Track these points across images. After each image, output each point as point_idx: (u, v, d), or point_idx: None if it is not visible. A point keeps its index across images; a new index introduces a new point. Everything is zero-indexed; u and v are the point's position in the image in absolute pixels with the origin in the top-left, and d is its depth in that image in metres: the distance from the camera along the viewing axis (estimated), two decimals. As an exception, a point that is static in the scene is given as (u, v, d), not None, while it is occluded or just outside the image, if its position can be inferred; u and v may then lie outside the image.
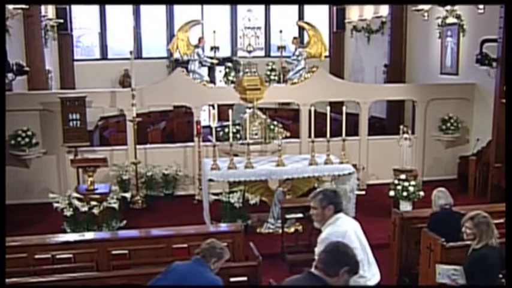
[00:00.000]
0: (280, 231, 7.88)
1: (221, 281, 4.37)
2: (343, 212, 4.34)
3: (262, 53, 13.32)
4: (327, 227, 4.24)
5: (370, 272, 4.32)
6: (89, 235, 6.89)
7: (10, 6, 10.66)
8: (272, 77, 12.27)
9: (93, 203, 8.33)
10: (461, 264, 5.04)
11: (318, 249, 4.06)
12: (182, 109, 14.65)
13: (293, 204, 8.05)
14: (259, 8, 16.76)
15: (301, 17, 18.15)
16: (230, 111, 9.08)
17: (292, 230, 8.48)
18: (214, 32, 11.20)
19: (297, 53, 11.40)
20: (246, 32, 10.59)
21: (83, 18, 17.42)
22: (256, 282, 5.44)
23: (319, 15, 17.84)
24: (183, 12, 17.20)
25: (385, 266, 5.51)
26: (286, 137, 10.54)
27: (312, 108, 9.12)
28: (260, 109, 10.71)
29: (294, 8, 18.38)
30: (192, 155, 10.81)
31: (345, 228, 4.20)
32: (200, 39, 11.51)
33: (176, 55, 11.42)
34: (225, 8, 18.30)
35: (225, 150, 9.61)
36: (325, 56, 11.95)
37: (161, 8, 17.82)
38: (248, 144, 8.89)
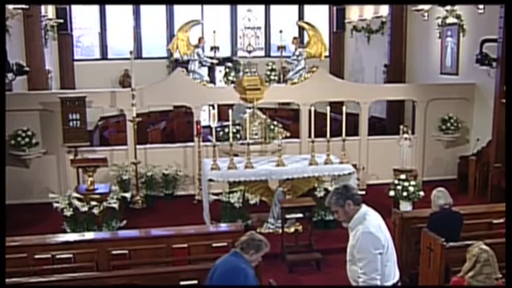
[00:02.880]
0: (280, 231, 7.85)
1: (249, 272, 4.28)
2: (365, 204, 4.30)
3: (262, 53, 13.29)
4: (357, 224, 4.20)
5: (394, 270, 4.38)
6: (89, 235, 6.89)
7: (10, 6, 10.66)
8: (272, 77, 12.27)
9: (93, 203, 8.32)
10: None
11: (358, 245, 4.10)
12: (182, 109, 14.65)
13: (293, 204, 8.04)
14: (259, 8, 16.77)
15: (301, 17, 18.15)
16: (230, 111, 9.08)
17: (292, 230, 8.47)
18: (214, 32, 11.20)
19: (297, 53, 11.39)
20: (246, 32, 10.60)
21: (83, 18, 17.42)
22: (256, 282, 5.43)
23: (319, 15, 17.84)
24: (183, 12, 17.19)
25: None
26: (286, 137, 10.55)
27: (312, 108, 9.13)
28: (260, 109, 10.71)
29: (294, 8, 18.38)
30: (192, 155, 10.80)
31: (378, 222, 4.23)
32: (200, 39, 11.51)
33: (176, 55, 11.43)
34: (225, 8, 18.30)
35: (225, 150, 9.61)
36: (325, 56, 11.93)
37: (161, 8, 17.83)
38: (248, 144, 8.88)
